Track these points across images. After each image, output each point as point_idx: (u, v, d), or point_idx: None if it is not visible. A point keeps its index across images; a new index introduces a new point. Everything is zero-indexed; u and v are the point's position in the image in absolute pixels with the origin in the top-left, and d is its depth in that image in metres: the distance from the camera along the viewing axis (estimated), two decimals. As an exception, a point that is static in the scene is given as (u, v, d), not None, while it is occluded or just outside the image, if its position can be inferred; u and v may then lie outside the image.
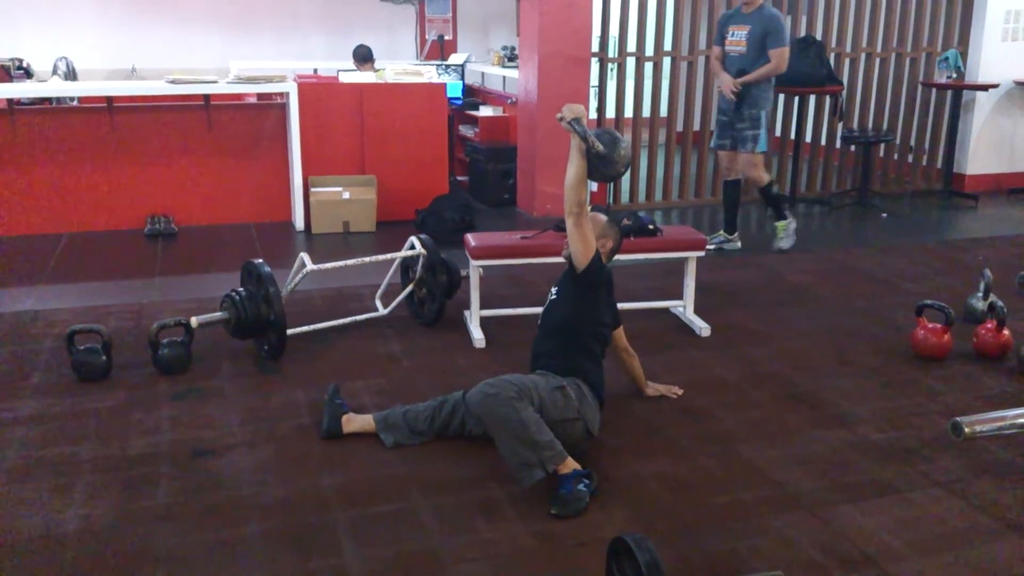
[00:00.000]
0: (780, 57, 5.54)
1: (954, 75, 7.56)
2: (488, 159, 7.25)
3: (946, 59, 7.59)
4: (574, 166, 3.13)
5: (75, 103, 6.83)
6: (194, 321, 3.89)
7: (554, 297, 3.34)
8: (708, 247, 5.47)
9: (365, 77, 6.98)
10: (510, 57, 8.73)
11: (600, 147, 3.07)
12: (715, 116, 6.05)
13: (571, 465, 2.86)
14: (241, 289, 3.98)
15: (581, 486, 2.82)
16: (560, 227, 4.35)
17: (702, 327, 4.38)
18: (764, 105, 5.69)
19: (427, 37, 9.91)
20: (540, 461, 2.81)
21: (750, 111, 5.67)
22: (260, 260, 4.00)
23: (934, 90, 7.88)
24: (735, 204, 6.05)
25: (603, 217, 3.37)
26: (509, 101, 7.74)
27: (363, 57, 8.10)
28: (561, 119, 3.13)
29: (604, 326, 3.30)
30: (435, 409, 3.25)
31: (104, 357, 3.73)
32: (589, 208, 3.24)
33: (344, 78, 6.92)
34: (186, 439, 3.24)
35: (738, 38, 5.66)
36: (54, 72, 8.13)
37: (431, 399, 3.29)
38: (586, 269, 3.17)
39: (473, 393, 2.96)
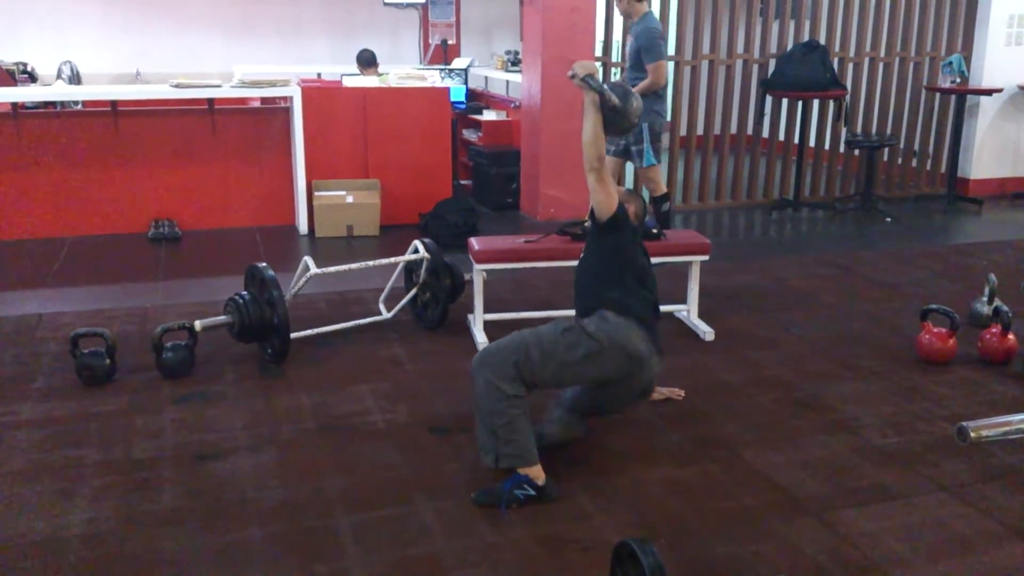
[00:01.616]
0: (656, 71, 5.44)
1: (958, 79, 7.56)
2: (491, 163, 7.25)
3: (950, 63, 7.59)
4: (590, 121, 3.09)
5: (79, 107, 6.85)
6: (198, 325, 3.90)
7: (582, 255, 3.28)
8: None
9: (369, 81, 6.98)
10: (513, 61, 8.74)
11: (616, 100, 3.07)
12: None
13: (533, 472, 2.84)
14: (245, 293, 3.99)
15: (518, 492, 2.82)
16: (564, 231, 4.35)
17: (706, 331, 4.38)
18: (646, 119, 5.50)
19: (431, 41, 9.92)
20: (495, 452, 2.84)
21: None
22: (264, 264, 4.01)
23: (938, 94, 7.87)
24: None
25: (621, 187, 3.38)
26: (512, 105, 7.74)
27: (367, 61, 8.11)
28: (573, 76, 3.11)
29: (637, 263, 3.17)
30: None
31: (108, 361, 3.74)
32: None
33: (348, 82, 6.93)
34: (190, 443, 3.24)
35: (627, 51, 5.64)
36: (58, 76, 8.16)
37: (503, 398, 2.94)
38: (611, 217, 3.10)
39: (477, 356, 2.96)
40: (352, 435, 3.33)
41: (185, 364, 3.83)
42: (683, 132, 7.41)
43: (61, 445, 3.21)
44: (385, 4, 9.70)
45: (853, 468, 3.12)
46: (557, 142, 6.70)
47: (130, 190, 6.27)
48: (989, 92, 7.57)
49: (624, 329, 2.98)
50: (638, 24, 5.56)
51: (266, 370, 3.93)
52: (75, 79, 8.32)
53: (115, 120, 6.18)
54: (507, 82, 8.72)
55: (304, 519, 2.76)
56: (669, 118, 7.34)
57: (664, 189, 5.84)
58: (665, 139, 8.60)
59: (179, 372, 3.81)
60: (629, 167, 6.22)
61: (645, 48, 5.47)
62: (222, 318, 3.96)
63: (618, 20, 6.90)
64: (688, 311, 4.51)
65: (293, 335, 4.00)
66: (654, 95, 5.56)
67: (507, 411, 2.83)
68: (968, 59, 7.73)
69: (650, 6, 5.74)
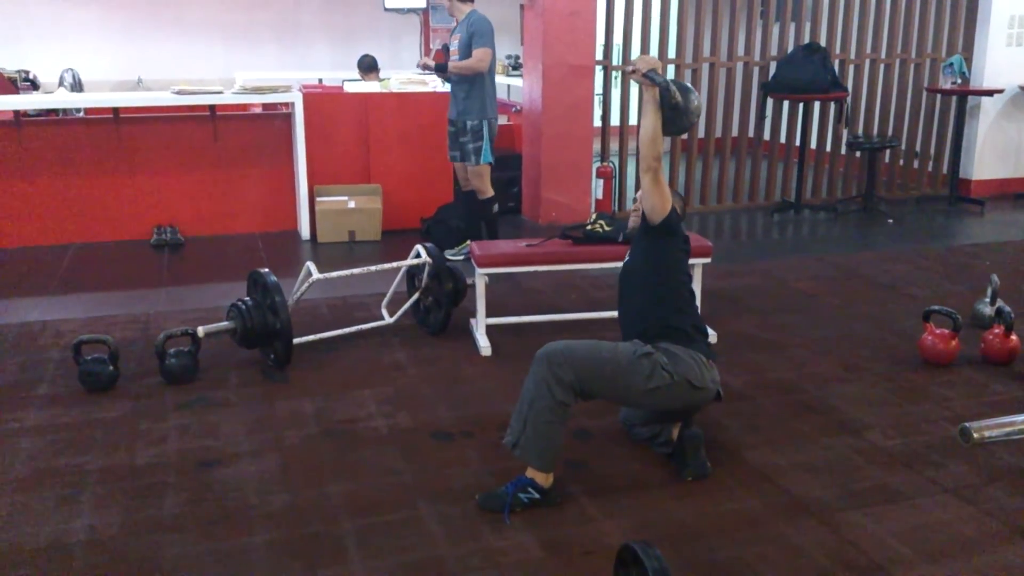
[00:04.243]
0: (480, 57, 5.43)
1: (959, 81, 7.56)
2: (493, 167, 7.24)
3: (951, 65, 7.59)
4: (649, 120, 3.00)
5: (81, 114, 6.86)
6: (200, 331, 3.90)
7: (629, 260, 3.24)
8: (456, 258, 5.53)
9: (370, 87, 7.00)
10: (514, 66, 8.75)
11: (679, 96, 2.97)
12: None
13: (542, 478, 2.83)
14: (247, 298, 3.99)
15: (523, 495, 2.82)
16: (566, 234, 4.36)
17: (709, 334, 4.36)
18: (484, 116, 5.57)
19: (431, 46, 9.94)
20: (518, 439, 2.82)
21: (471, 123, 5.58)
22: (266, 269, 4.01)
23: (939, 96, 7.87)
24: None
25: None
26: (514, 110, 7.75)
27: (368, 67, 8.13)
28: (634, 71, 3.00)
29: (684, 275, 3.16)
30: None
31: (111, 367, 3.74)
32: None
33: (349, 88, 6.94)
34: (193, 449, 3.25)
35: (454, 47, 5.61)
36: (60, 84, 8.17)
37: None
38: (665, 220, 3.04)
39: (544, 349, 2.87)
40: (355, 440, 3.33)
41: (188, 370, 3.84)
42: (685, 135, 7.41)
43: (64, 452, 3.21)
44: (386, 9, 9.71)
45: (856, 470, 3.12)
46: (558, 146, 6.71)
47: (132, 197, 6.28)
48: (990, 93, 7.57)
49: (694, 365, 2.97)
50: (467, 18, 5.53)
51: (269, 376, 3.93)
52: (77, 86, 8.34)
53: (117, 127, 6.20)
54: (508, 86, 8.74)
55: (307, 525, 2.76)
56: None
57: (491, 192, 5.79)
58: (666, 143, 8.62)
59: (182, 378, 3.81)
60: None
61: (477, 33, 5.44)
62: (225, 324, 3.97)
63: (619, 24, 6.92)
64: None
65: (296, 340, 4.01)
66: (484, 93, 5.55)
67: (547, 414, 2.80)
68: (969, 60, 7.73)
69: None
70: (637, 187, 3.19)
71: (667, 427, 3.15)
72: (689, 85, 3.10)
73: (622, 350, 2.94)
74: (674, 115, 3.00)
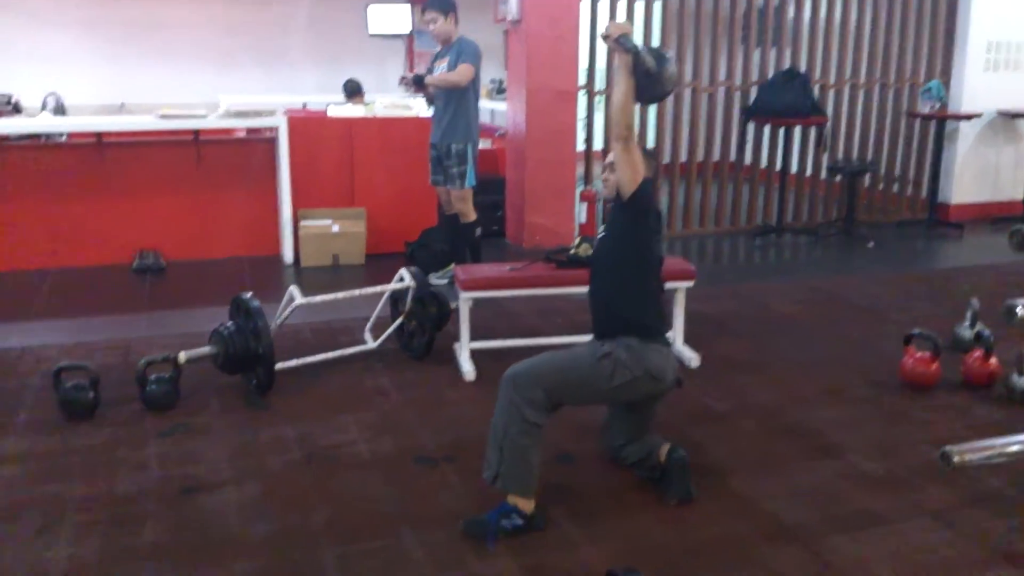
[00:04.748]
0: (461, 72, 5.44)
1: (937, 105, 7.65)
2: (477, 191, 7.26)
3: (929, 89, 7.68)
4: (621, 87, 2.99)
5: (64, 139, 6.84)
6: (182, 356, 3.88)
7: (603, 234, 3.23)
8: (439, 281, 5.53)
9: (355, 111, 7.01)
10: (498, 90, 8.81)
11: (651, 62, 2.94)
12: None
13: (524, 503, 2.84)
14: (230, 323, 3.97)
15: (506, 522, 2.81)
16: (550, 258, 4.37)
17: (692, 357, 4.39)
18: (468, 139, 5.59)
19: (416, 71, 9.98)
20: (497, 470, 2.84)
21: (456, 146, 5.59)
22: (249, 294, 4.00)
23: (918, 120, 7.96)
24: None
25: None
26: (498, 133, 7.79)
27: (353, 91, 8.16)
28: (606, 36, 3.00)
29: (656, 257, 3.16)
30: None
31: (91, 394, 3.71)
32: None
33: (333, 112, 6.95)
34: (174, 476, 3.22)
35: (440, 71, 5.62)
36: (43, 108, 8.15)
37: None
38: (635, 194, 3.02)
39: (507, 374, 2.90)
40: (338, 466, 3.32)
41: (169, 396, 3.81)
42: (667, 159, 7.47)
43: (43, 480, 3.17)
44: (371, 35, 9.77)
45: (839, 494, 3.13)
46: (542, 170, 6.74)
47: (115, 221, 6.25)
48: (968, 117, 7.67)
49: (654, 357, 3.02)
50: (455, 43, 5.55)
51: (251, 401, 3.91)
52: (60, 110, 8.31)
53: (100, 151, 6.18)
54: (492, 111, 8.79)
55: (289, 552, 2.74)
56: (654, 144, 7.42)
57: (474, 215, 5.81)
58: (653, 172, 8.68)
59: (163, 404, 3.78)
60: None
61: (463, 52, 5.46)
62: (206, 349, 3.95)
63: (601, 49, 6.98)
64: (674, 337, 4.52)
65: (278, 365, 3.99)
66: (469, 117, 5.58)
67: (522, 438, 2.81)
68: (947, 85, 7.83)
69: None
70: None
71: (654, 451, 3.16)
72: (666, 54, 3.06)
73: (582, 355, 3.01)
74: (648, 82, 2.98)
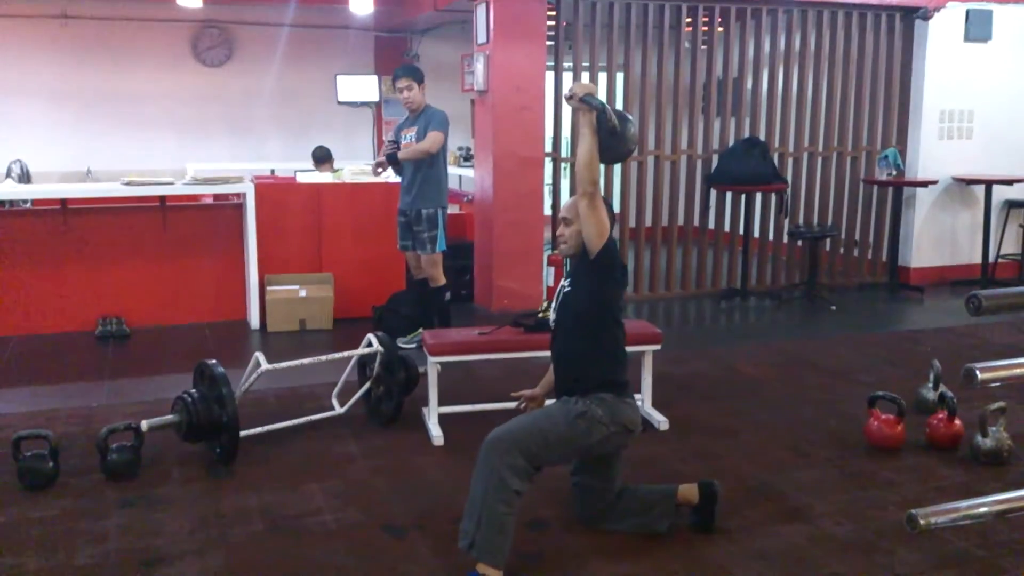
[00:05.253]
0: (432, 140, 5.55)
1: (894, 172, 7.84)
2: (446, 255, 7.29)
3: (886, 157, 7.88)
4: (586, 144, 3.04)
5: (29, 205, 6.80)
6: (144, 425, 3.81)
7: (568, 289, 3.24)
8: (407, 346, 5.54)
9: (323, 177, 7.06)
10: (466, 157, 8.91)
11: (615, 121, 3.02)
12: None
13: (495, 573, 2.81)
14: (193, 391, 3.92)
15: None
16: (519, 322, 4.38)
17: (660, 420, 4.39)
18: (439, 204, 5.69)
19: (384, 138, 10.08)
20: (472, 538, 2.82)
21: (427, 211, 5.67)
22: (213, 360, 3.96)
23: (875, 187, 8.16)
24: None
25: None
26: (465, 199, 7.86)
27: (322, 158, 8.22)
28: (571, 97, 3.06)
29: (619, 311, 3.21)
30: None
31: (51, 463, 3.63)
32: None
33: (302, 178, 6.99)
34: (135, 548, 3.14)
35: (408, 140, 5.74)
36: (8, 175, 8.11)
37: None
38: (602, 251, 3.07)
39: (488, 441, 2.92)
40: (302, 537, 3.26)
41: (131, 466, 3.74)
42: (632, 224, 7.57)
43: (0, 552, 3.09)
44: (339, 103, 9.87)
45: (808, 558, 3.12)
46: (510, 234, 6.80)
47: (78, 288, 6.19)
48: (925, 184, 7.86)
49: (626, 411, 3.12)
50: (423, 113, 5.66)
51: (214, 470, 3.84)
52: (25, 177, 8.28)
53: (64, 218, 6.15)
54: (460, 176, 8.87)
55: (253, 626, 2.67)
56: (619, 210, 7.53)
57: (444, 280, 5.85)
58: (616, 230, 8.79)
59: (124, 474, 3.70)
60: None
61: (434, 121, 5.56)
62: (169, 417, 3.89)
63: (566, 118, 7.10)
64: (642, 400, 4.53)
65: (243, 433, 3.93)
66: (440, 184, 5.67)
67: (501, 508, 2.82)
68: (903, 152, 8.05)
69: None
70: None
71: (668, 498, 3.26)
72: (627, 115, 3.16)
73: (558, 415, 3.05)
74: (612, 141, 3.07)
